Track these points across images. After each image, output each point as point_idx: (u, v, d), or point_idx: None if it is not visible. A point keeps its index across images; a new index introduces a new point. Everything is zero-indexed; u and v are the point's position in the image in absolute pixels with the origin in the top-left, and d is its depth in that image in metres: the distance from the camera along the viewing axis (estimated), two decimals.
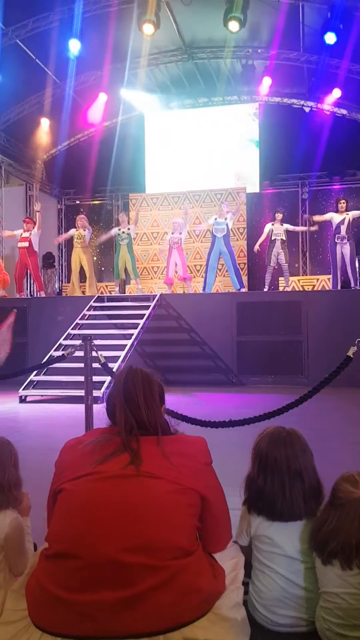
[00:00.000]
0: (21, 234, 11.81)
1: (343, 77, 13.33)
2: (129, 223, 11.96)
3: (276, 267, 11.60)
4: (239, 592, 1.81)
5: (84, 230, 11.93)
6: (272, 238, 11.53)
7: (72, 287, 12.13)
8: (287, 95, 15.59)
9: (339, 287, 11.17)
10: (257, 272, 14.71)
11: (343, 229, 10.88)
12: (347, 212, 10.95)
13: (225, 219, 11.46)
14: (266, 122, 15.51)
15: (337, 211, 11.07)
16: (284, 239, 11.57)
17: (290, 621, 1.92)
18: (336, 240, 10.98)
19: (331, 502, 1.90)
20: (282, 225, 11.58)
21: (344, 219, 10.89)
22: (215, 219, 11.55)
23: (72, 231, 12.11)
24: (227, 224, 11.44)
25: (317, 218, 11.61)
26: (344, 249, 10.91)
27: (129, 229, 11.76)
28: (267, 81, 14.24)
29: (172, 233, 11.81)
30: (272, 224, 11.60)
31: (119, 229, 11.78)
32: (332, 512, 1.87)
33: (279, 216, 11.62)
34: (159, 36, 12.16)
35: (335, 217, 11.02)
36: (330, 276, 11.87)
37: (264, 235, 11.68)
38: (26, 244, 11.73)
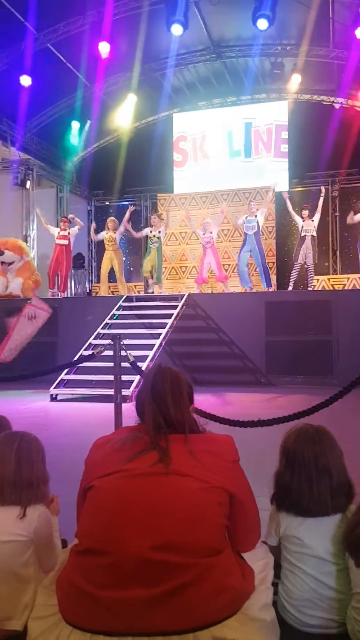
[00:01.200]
0: (58, 232, 11.96)
1: None
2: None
3: (305, 265, 11.47)
4: (269, 593, 1.80)
5: (114, 233, 12.01)
6: (302, 235, 11.44)
7: (102, 288, 12.22)
8: (316, 92, 15.45)
9: None
10: (286, 271, 14.59)
11: None
12: None
13: (255, 216, 11.40)
14: (295, 119, 15.38)
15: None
16: (314, 235, 11.48)
17: (321, 622, 1.90)
18: None
19: None
20: (312, 221, 11.45)
21: None
22: (246, 217, 11.50)
23: (103, 234, 12.17)
24: (257, 221, 11.39)
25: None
26: None
27: (159, 232, 11.80)
28: (296, 78, 14.14)
29: (204, 233, 11.80)
30: (303, 220, 11.47)
31: (151, 231, 11.81)
32: None
33: (305, 213, 11.50)
34: (187, 36, 12.19)
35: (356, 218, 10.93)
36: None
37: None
38: (66, 241, 11.95)
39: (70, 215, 12.57)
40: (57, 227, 12.18)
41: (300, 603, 1.92)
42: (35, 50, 11.86)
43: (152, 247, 11.71)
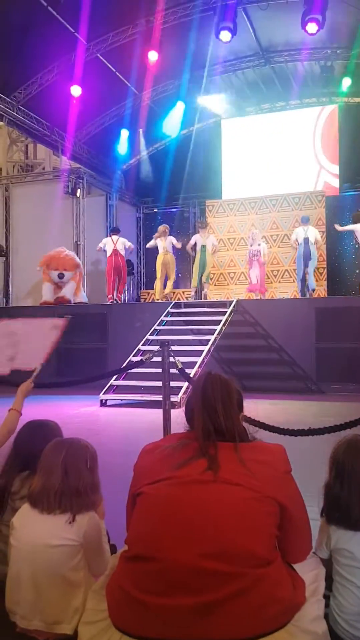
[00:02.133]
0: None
1: None
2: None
3: None
4: (320, 605, 1.77)
5: (165, 239, 12.14)
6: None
7: (158, 292, 12.41)
8: None
9: None
10: (337, 276, 14.36)
11: None
12: None
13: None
14: (346, 123, 15.13)
15: None
16: None
17: None
18: None
19: None
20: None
21: None
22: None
23: (157, 241, 12.29)
24: (317, 237, 11.73)
25: None
26: None
27: (205, 239, 12.00)
28: (346, 82, 13.91)
29: (251, 245, 11.84)
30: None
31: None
32: None
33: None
34: (235, 42, 12.16)
35: None
36: None
37: None
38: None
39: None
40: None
41: (352, 617, 1.87)
42: (85, 60, 12.09)
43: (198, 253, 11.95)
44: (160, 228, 12.28)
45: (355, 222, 11.67)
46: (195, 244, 11.95)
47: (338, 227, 12.08)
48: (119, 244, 12.33)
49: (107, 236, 12.95)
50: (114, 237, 12.43)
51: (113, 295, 12.33)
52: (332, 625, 1.88)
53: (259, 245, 11.71)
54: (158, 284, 12.19)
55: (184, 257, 16.02)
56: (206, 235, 11.94)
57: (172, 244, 12.19)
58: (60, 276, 12.42)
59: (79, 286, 12.93)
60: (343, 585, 1.91)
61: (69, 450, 2.12)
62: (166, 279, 12.23)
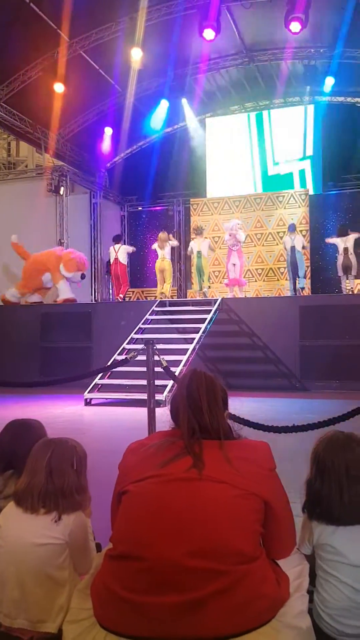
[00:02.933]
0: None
1: None
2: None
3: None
4: (304, 600, 1.78)
5: (164, 247, 12.31)
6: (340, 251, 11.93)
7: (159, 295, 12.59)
8: (350, 94, 15.26)
9: None
10: (320, 275, 14.47)
11: None
12: None
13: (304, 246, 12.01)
14: (329, 122, 15.23)
15: None
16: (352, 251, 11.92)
17: (358, 631, 1.87)
18: None
19: None
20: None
21: None
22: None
23: (157, 249, 12.40)
24: (303, 244, 11.98)
25: None
26: None
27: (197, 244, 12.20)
28: (329, 81, 14.01)
29: (228, 236, 11.95)
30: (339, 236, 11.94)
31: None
32: None
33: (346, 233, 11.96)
34: (219, 41, 12.19)
35: None
36: None
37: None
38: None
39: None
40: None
41: (336, 612, 1.89)
42: (69, 57, 12.03)
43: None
44: (161, 236, 12.36)
45: (339, 236, 11.96)
46: (192, 250, 12.11)
47: (327, 240, 12.52)
48: (121, 252, 12.65)
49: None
50: (116, 246, 12.73)
51: (117, 297, 12.83)
52: (316, 620, 1.89)
53: (237, 234, 11.72)
54: (159, 287, 12.40)
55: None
56: (201, 240, 12.07)
57: (170, 249, 12.44)
58: (83, 277, 12.55)
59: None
60: (326, 580, 1.93)
61: (55, 450, 2.11)
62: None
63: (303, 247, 12.02)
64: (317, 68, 14.08)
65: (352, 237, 11.64)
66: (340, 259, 11.75)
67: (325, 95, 15.12)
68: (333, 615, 1.89)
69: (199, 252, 11.91)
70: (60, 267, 12.07)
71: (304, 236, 13.81)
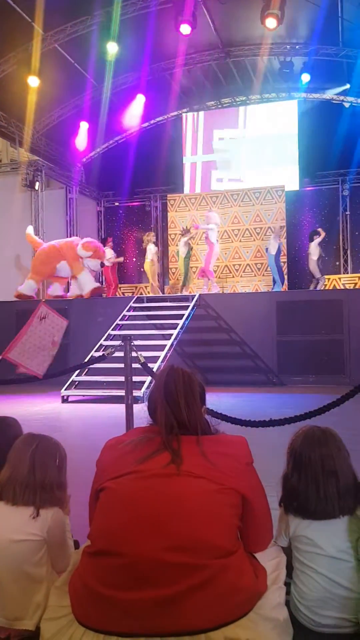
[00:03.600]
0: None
1: None
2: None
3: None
4: (281, 592, 1.80)
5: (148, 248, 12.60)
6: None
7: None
8: (326, 91, 15.37)
9: None
10: (297, 270, 14.58)
11: None
12: None
13: (280, 243, 12.26)
14: (305, 118, 15.33)
15: None
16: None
17: (334, 622, 1.89)
18: None
19: None
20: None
21: None
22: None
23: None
24: (279, 247, 12.23)
25: None
26: None
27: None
28: (305, 77, 14.08)
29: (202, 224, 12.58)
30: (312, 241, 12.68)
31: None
32: None
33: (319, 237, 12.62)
34: (195, 35, 12.17)
35: None
36: None
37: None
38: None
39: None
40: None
41: (312, 603, 1.91)
42: (43, 50, 11.89)
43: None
44: (144, 237, 12.67)
45: (310, 240, 12.72)
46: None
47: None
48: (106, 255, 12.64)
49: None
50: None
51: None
52: (293, 612, 1.92)
53: (209, 225, 12.00)
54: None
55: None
56: (183, 241, 12.31)
57: (153, 249, 12.70)
58: (102, 265, 12.22)
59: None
60: (303, 571, 1.95)
61: (39, 445, 2.12)
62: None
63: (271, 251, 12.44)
64: (293, 64, 14.13)
65: (312, 244, 12.56)
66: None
67: (301, 92, 15.21)
68: (310, 607, 1.91)
69: (178, 252, 12.19)
70: (78, 249, 11.54)
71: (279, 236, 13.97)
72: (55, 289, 12.34)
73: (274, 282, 12.27)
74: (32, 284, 12.02)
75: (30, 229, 12.76)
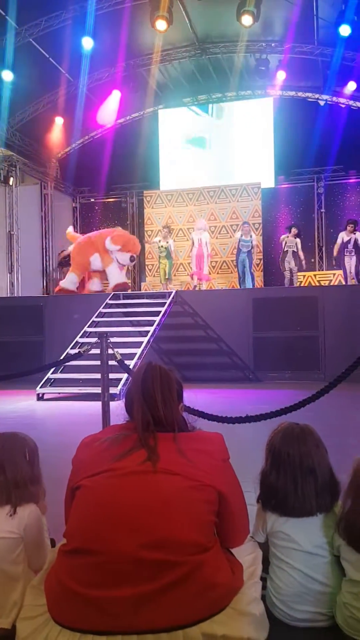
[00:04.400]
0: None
1: (358, 70, 13.21)
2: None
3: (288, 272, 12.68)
4: (257, 588, 1.81)
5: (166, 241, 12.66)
6: (285, 249, 12.64)
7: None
8: (301, 89, 15.50)
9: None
10: (273, 267, 14.67)
11: (350, 245, 12.19)
12: (355, 232, 12.10)
13: (251, 237, 12.28)
14: (281, 116, 15.42)
15: (345, 231, 12.30)
16: (295, 250, 12.63)
17: (309, 616, 1.91)
18: (345, 254, 12.24)
19: (355, 488, 1.89)
20: (295, 238, 12.62)
21: (352, 238, 12.16)
22: (241, 236, 12.30)
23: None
24: (252, 242, 12.31)
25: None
26: (352, 261, 12.21)
27: (167, 242, 12.62)
28: (281, 75, 14.19)
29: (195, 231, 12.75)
30: (287, 237, 12.69)
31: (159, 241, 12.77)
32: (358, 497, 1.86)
33: (294, 231, 12.73)
34: (171, 32, 12.16)
35: (344, 236, 12.23)
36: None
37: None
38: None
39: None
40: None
41: (288, 598, 1.93)
42: (17, 45, 11.74)
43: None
44: None
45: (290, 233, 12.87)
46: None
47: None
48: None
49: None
50: None
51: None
52: (269, 607, 1.93)
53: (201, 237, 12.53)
54: None
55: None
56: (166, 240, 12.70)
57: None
58: (132, 259, 11.32)
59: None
60: (279, 567, 1.97)
61: (5, 444, 2.10)
62: None
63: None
64: (269, 62, 14.20)
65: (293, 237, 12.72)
66: None
67: (276, 90, 15.29)
68: (285, 601, 1.93)
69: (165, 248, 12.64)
70: (106, 241, 11.05)
71: (256, 229, 14.02)
72: (94, 284, 11.94)
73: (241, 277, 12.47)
74: (73, 278, 11.65)
75: (70, 229, 12.73)
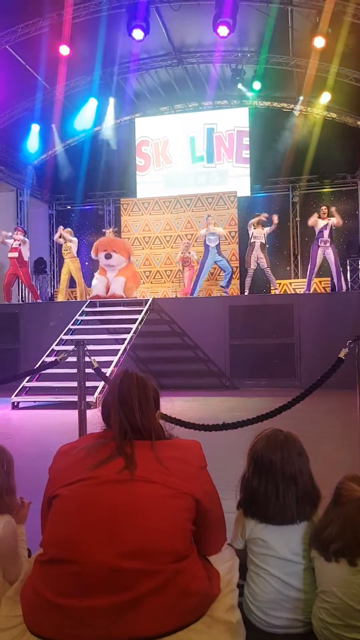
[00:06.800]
0: (12, 244, 11.70)
1: (332, 81, 13.43)
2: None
3: (254, 269, 11.85)
4: (234, 595, 1.81)
5: (70, 242, 12.02)
6: (252, 241, 11.77)
7: (60, 295, 12.26)
8: (276, 99, 15.69)
9: (310, 290, 11.46)
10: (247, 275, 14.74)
11: (325, 233, 11.10)
12: (329, 218, 11.13)
13: (215, 228, 11.89)
14: (256, 126, 15.57)
15: (319, 217, 11.20)
16: (264, 242, 11.78)
17: (286, 623, 1.92)
18: (319, 244, 11.17)
19: (335, 501, 1.91)
20: (263, 229, 11.78)
21: (327, 224, 11.09)
22: (206, 232, 11.87)
23: (61, 241, 12.31)
24: (217, 233, 11.82)
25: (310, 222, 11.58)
26: (327, 253, 11.13)
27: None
28: (256, 85, 14.32)
29: (182, 253, 12.62)
30: (254, 227, 11.79)
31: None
32: (336, 511, 1.87)
33: (260, 217, 11.87)
34: (148, 41, 12.21)
35: (319, 223, 11.16)
36: (323, 279, 12.13)
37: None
38: (16, 254, 11.66)
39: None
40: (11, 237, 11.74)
41: (265, 605, 1.93)
42: None
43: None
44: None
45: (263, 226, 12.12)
46: None
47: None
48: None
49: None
50: None
51: None
52: (245, 613, 1.93)
53: (189, 253, 12.68)
54: None
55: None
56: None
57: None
58: (108, 256, 10.74)
59: (129, 280, 11.05)
60: (257, 573, 1.97)
61: None
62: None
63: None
64: (245, 72, 14.36)
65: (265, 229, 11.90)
66: None
67: (252, 100, 15.46)
68: (262, 608, 1.93)
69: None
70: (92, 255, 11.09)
71: (232, 237, 14.10)
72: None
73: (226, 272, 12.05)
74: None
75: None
